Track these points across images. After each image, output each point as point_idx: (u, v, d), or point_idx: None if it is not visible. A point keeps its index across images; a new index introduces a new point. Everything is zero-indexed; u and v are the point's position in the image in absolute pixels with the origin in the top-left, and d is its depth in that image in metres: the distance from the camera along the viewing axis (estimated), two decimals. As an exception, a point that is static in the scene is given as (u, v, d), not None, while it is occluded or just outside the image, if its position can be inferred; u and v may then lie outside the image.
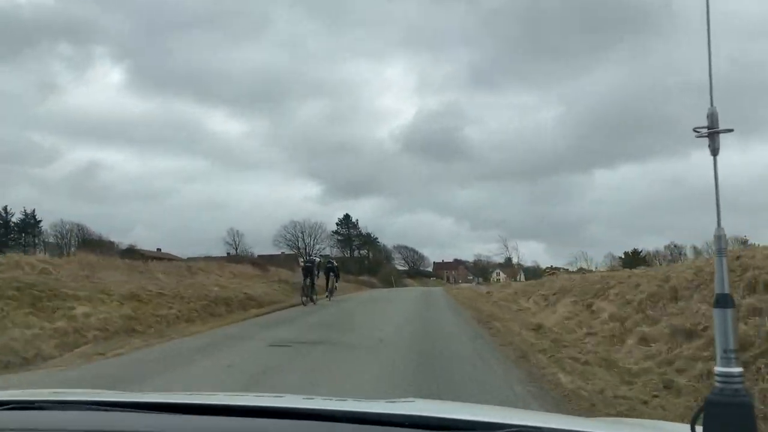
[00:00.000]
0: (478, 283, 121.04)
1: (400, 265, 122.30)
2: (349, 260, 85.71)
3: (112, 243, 61.11)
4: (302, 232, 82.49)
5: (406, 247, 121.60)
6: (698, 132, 1.27)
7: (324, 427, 1.16)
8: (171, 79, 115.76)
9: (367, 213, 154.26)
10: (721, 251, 1.18)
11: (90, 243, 52.78)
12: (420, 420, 1.18)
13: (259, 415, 1.23)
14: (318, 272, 18.90)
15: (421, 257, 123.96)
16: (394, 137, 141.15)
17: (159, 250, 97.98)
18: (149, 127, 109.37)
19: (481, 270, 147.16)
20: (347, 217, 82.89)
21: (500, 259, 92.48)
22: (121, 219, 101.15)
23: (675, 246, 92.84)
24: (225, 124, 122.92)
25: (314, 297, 18.21)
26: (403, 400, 1.62)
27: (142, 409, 1.30)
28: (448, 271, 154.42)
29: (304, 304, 17.49)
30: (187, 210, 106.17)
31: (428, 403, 1.89)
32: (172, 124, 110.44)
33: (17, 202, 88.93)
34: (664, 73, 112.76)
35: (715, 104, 1.30)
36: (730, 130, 1.27)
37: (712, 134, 1.27)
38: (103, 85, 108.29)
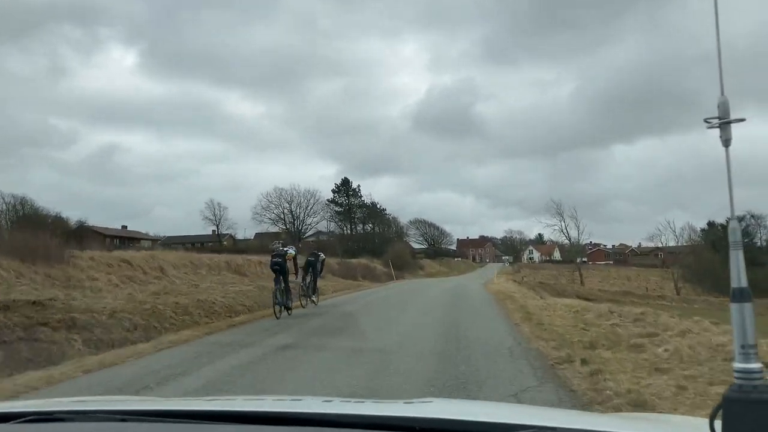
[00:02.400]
0: (510, 263, 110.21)
1: (418, 243, 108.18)
2: (346, 238, 67.43)
3: (61, 219, 52.94)
4: (289, 202, 64.63)
5: (424, 222, 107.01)
6: (709, 123, 1.27)
7: None
8: (185, 61, 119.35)
9: (385, 192, 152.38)
10: (736, 244, 1.19)
11: (30, 219, 43.21)
12: (436, 423, 1.25)
13: (276, 421, 1.31)
14: (294, 268, 14.50)
15: (443, 233, 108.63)
16: (410, 116, 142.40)
17: (125, 227, 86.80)
18: (165, 110, 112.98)
19: (509, 248, 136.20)
20: (346, 182, 65.56)
21: (547, 233, 75.70)
22: (140, 200, 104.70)
23: (752, 216, 78.35)
24: (241, 105, 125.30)
25: (290, 304, 13.81)
26: (421, 400, 1.66)
27: (161, 417, 1.36)
28: (473, 250, 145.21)
29: (276, 315, 12.93)
30: (205, 192, 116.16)
31: (446, 404, 2.01)
32: (189, 107, 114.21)
33: (37, 186, 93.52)
34: (681, 44, 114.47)
35: (725, 93, 1.29)
36: (742, 120, 1.27)
37: (724, 125, 1.27)
38: (118, 69, 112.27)
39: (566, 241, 71.24)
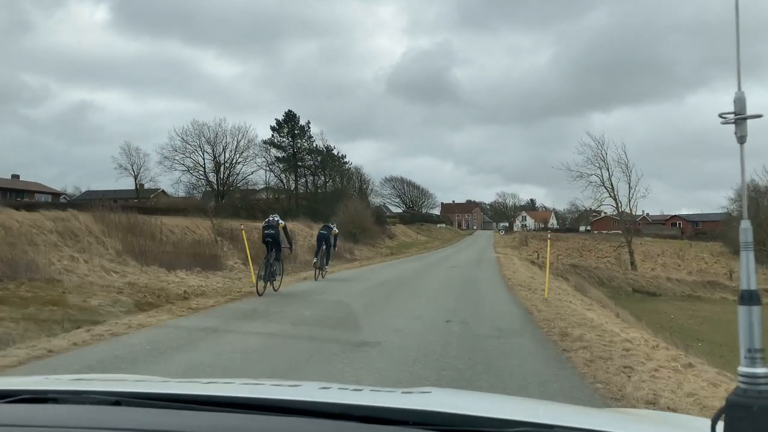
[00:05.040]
0: (504, 233, 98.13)
1: (395, 205, 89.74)
2: (288, 195, 44.46)
3: None
4: (211, 143, 41.92)
5: (401, 180, 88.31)
6: (724, 118, 1.25)
7: (331, 426, 1.26)
8: (157, 18, 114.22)
9: (363, 157, 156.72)
10: (747, 245, 1.20)
11: None
12: (432, 418, 1.27)
13: (271, 410, 1.35)
14: (287, 240, 13.80)
15: (424, 194, 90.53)
16: (388, 79, 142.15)
17: (16, 176, 66.48)
18: (139, 69, 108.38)
19: (499, 213, 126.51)
20: (291, 117, 42.99)
21: (573, 193, 54.24)
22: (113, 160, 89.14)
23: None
24: (216, 65, 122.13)
25: (275, 279, 13.32)
26: (420, 390, 1.66)
27: (155, 401, 1.41)
28: (460, 215, 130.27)
29: (258, 292, 12.60)
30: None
31: (444, 395, 1.95)
32: (163, 65, 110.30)
33: (5, 143, 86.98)
34: (654, 11, 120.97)
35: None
36: (759, 116, 1.27)
37: (740, 121, 1.24)
38: (88, 25, 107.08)
39: (607, 199, 48.99)
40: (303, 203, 50.97)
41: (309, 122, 56.72)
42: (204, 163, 53.72)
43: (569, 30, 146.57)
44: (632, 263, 47.15)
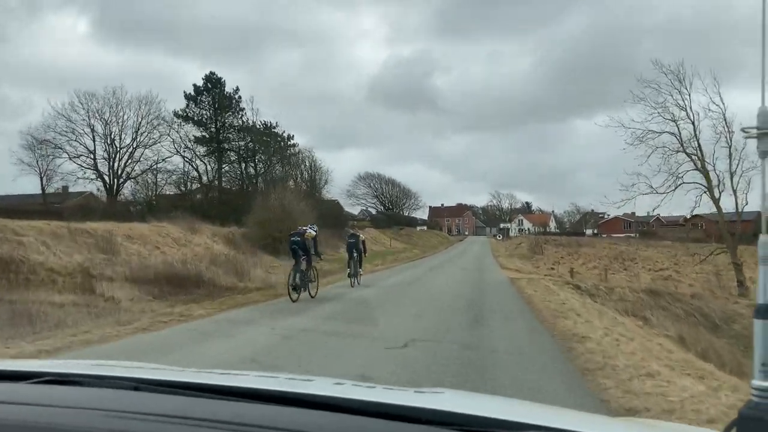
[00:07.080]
0: (502, 237, 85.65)
1: (372, 207, 75.74)
2: (205, 189, 23.69)
3: None
4: (104, 121, 21.21)
5: (378, 177, 74.23)
6: (746, 132, 1.28)
7: (345, 420, 1.28)
8: (138, 31, 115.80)
9: (350, 165, 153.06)
10: (765, 259, 1.21)
11: None
12: (446, 417, 1.28)
13: (284, 401, 1.37)
14: (313, 248, 14.26)
15: (406, 194, 76.99)
16: (372, 88, 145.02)
17: None
18: (122, 81, 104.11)
19: (493, 218, 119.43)
20: (213, 81, 25.03)
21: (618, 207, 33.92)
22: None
23: None
24: (201, 76, 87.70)
25: (309, 286, 13.99)
26: (432, 390, 1.70)
27: (173, 388, 1.45)
28: (450, 219, 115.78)
29: (292, 299, 13.15)
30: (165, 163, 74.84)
31: (457, 396, 1.93)
32: (146, 77, 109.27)
33: None
34: (630, 16, 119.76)
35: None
36: None
37: (762, 136, 1.27)
38: (70, 38, 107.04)
39: (690, 172, 30.73)
40: (225, 197, 37.03)
41: (238, 89, 42.75)
42: (94, 148, 39.46)
43: (548, 36, 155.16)
44: (741, 283, 28.49)
